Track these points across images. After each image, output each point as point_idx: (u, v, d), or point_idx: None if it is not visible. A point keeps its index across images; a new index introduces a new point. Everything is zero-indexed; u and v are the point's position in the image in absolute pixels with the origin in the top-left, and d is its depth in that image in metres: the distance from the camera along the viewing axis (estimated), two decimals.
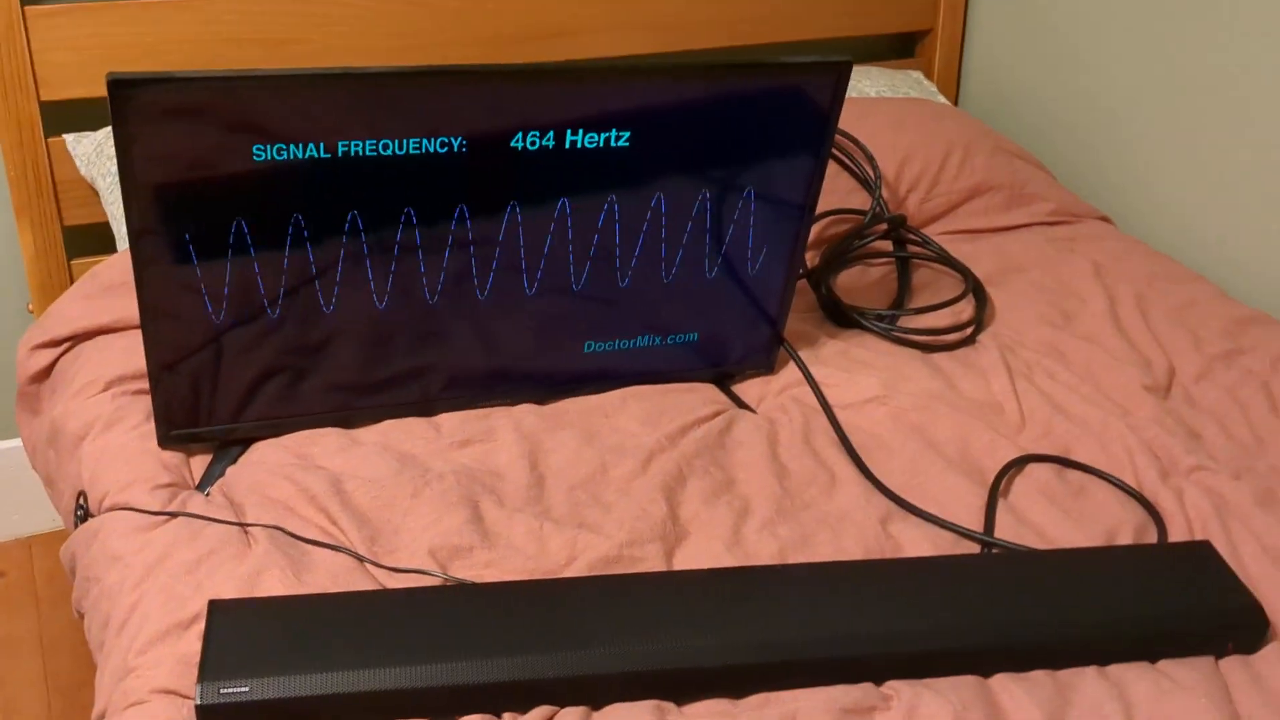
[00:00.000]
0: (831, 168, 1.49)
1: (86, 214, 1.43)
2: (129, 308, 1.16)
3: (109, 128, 1.41)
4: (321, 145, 0.94)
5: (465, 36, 1.53)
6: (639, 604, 0.89)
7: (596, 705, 0.85)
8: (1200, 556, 0.98)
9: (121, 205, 1.33)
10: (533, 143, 1.00)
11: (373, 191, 0.98)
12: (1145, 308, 1.39)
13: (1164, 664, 0.92)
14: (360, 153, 0.96)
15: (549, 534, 1.00)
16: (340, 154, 0.95)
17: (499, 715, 0.84)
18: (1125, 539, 1.05)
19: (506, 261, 1.07)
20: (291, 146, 0.94)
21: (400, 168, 0.98)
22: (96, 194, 1.41)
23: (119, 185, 1.34)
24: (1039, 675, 0.90)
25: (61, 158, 1.39)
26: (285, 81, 0.91)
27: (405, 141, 0.97)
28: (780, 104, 1.08)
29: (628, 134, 1.03)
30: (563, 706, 0.84)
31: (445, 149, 0.98)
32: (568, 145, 1.02)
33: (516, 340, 1.12)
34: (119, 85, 0.88)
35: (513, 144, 1.00)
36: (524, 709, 0.84)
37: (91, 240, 1.47)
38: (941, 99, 1.75)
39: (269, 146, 0.94)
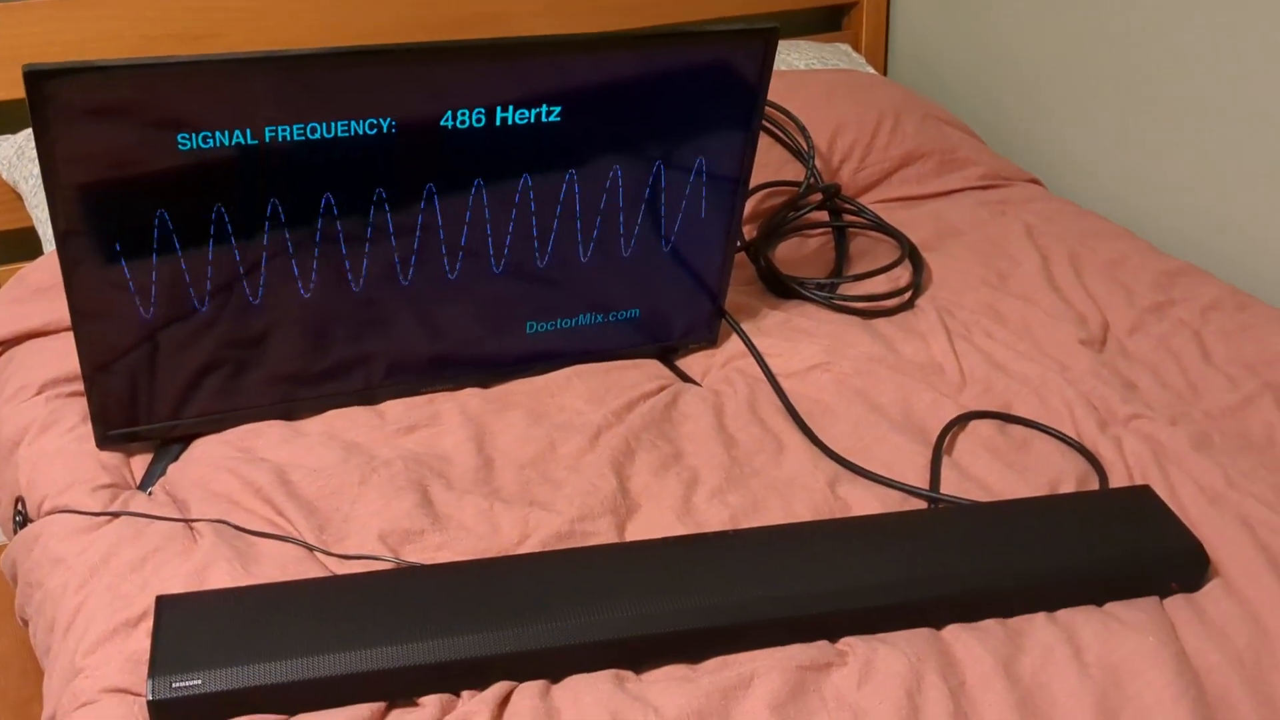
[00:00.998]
0: (765, 140, 1.50)
1: (11, 219, 1.40)
2: (59, 310, 1.14)
3: (29, 130, 1.38)
4: (248, 132, 0.93)
5: (394, 25, 1.52)
6: (593, 575, 0.89)
7: (555, 678, 0.85)
8: (1141, 501, 1.00)
9: (45, 207, 1.31)
10: (463, 121, 1.00)
11: (303, 178, 0.97)
12: (1078, 265, 1.41)
13: (1111, 606, 0.94)
14: (288, 138, 0.95)
15: (500, 514, 0.99)
16: (268, 140, 0.94)
17: (457, 694, 0.83)
18: (1068, 488, 1.06)
19: (441, 244, 1.06)
20: (218, 134, 0.93)
21: (330, 152, 0.97)
22: (20, 198, 1.38)
23: (42, 188, 1.31)
24: (990, 624, 0.91)
25: None
26: (208, 67, 0.89)
27: (333, 125, 0.96)
28: (710, 75, 1.08)
29: (559, 109, 1.03)
30: (522, 681, 0.84)
31: (374, 130, 0.97)
32: (499, 123, 1.01)
33: (457, 324, 1.12)
34: (37, 77, 0.86)
35: (443, 123, 0.99)
36: (483, 686, 0.83)
37: (16, 246, 1.44)
38: (870, 70, 1.76)
39: (194, 135, 0.92)
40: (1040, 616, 0.92)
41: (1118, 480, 1.09)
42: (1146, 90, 1.53)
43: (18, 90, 1.34)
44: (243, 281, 1.00)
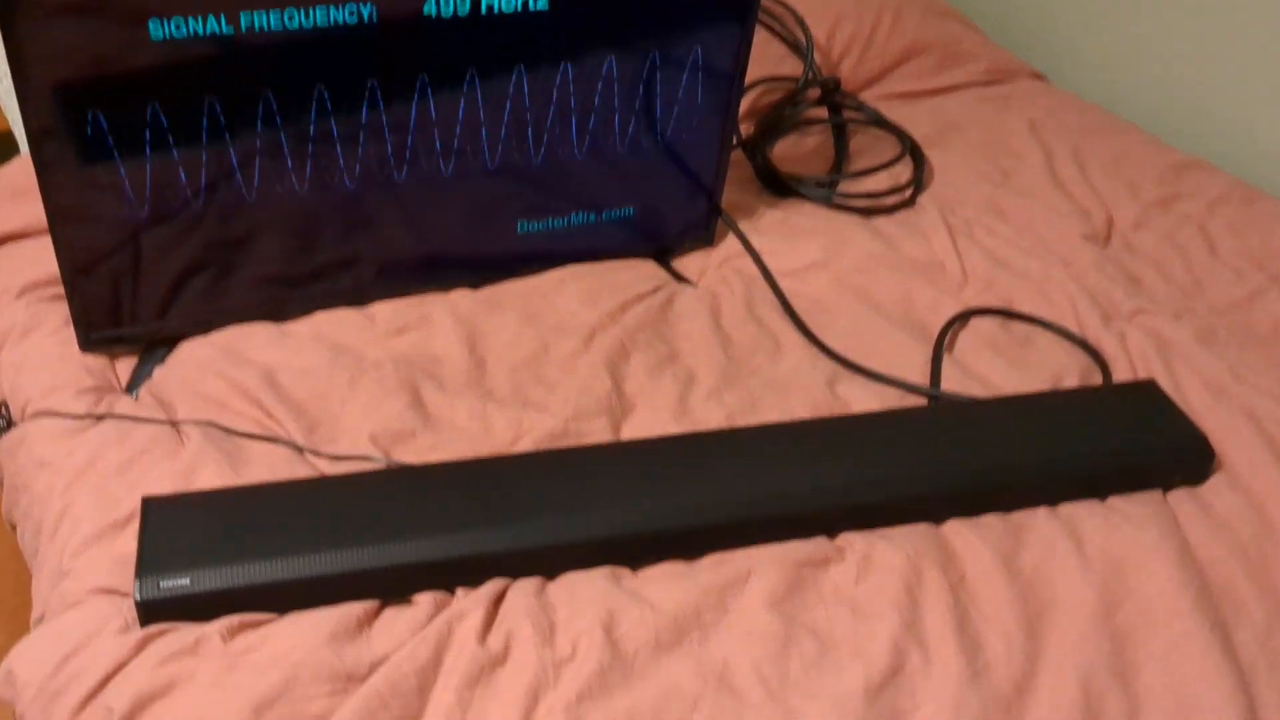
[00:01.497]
0: (762, 34, 1.45)
1: None
2: (37, 212, 1.11)
3: None
4: (223, 19, 0.89)
5: None
6: (588, 474, 0.87)
7: (551, 575, 0.84)
8: (1145, 394, 0.99)
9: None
10: (446, 9, 0.96)
11: (281, 70, 0.94)
12: (1081, 160, 1.38)
13: (1113, 500, 0.93)
14: (265, 26, 0.91)
15: (493, 415, 0.98)
16: (244, 29, 0.90)
17: (451, 592, 0.82)
18: (1071, 384, 1.05)
19: (426, 140, 1.03)
20: (191, 22, 0.89)
21: (309, 43, 0.93)
22: None
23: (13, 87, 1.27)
24: (990, 519, 0.90)
25: None
26: None
27: (311, 11, 0.92)
28: None
29: None
30: (516, 579, 0.83)
31: (354, 18, 0.93)
32: (484, 11, 0.98)
33: (446, 223, 1.09)
34: None
35: (425, 11, 0.96)
36: (477, 584, 0.82)
37: None
38: None
39: (166, 23, 0.88)
40: (1042, 511, 0.91)
41: (1121, 375, 1.07)
42: None
43: None
44: (228, 179, 0.97)
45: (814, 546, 0.86)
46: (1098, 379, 1.06)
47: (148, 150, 0.94)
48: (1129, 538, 0.88)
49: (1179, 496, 0.94)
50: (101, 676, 0.74)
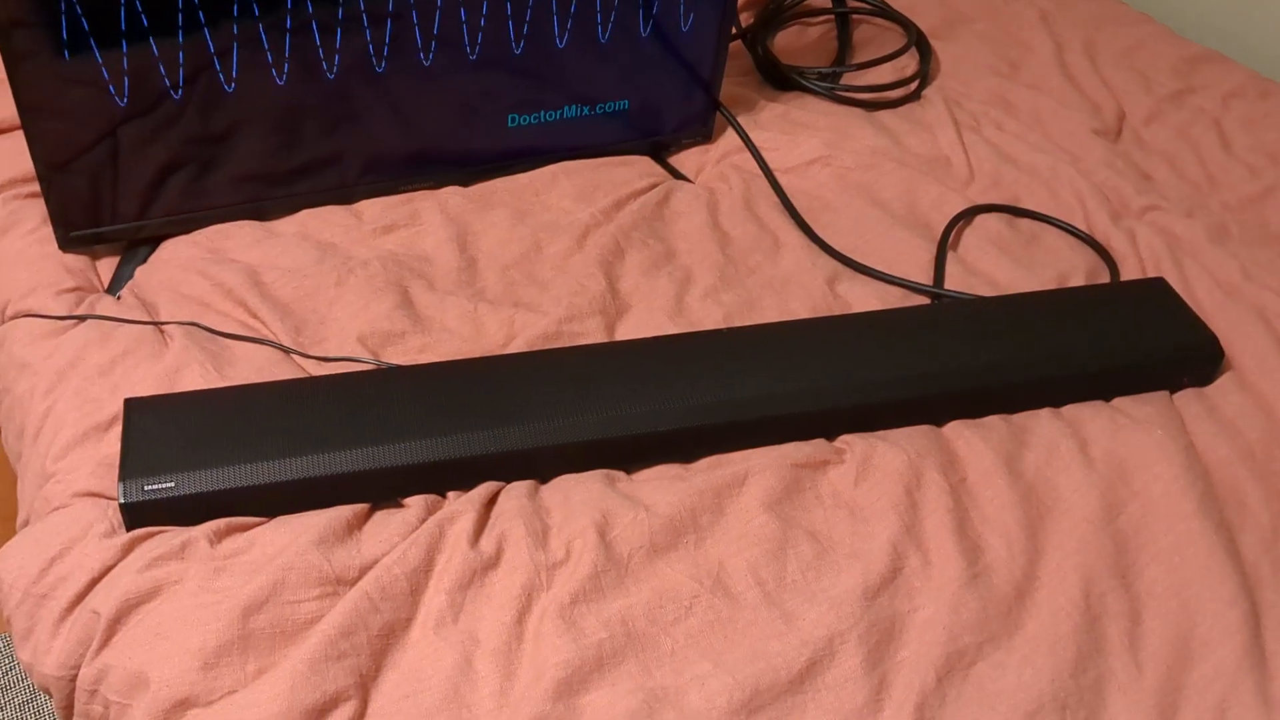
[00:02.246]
0: None
1: None
2: (11, 107, 1.07)
3: None
4: None
5: None
6: (582, 375, 0.85)
7: (544, 478, 0.82)
8: (1154, 293, 0.96)
9: None
10: None
11: None
12: (1093, 52, 1.33)
13: (1119, 401, 0.91)
14: None
15: (484, 315, 0.95)
16: None
17: (443, 495, 0.81)
18: (1078, 283, 1.02)
19: (407, 29, 0.99)
20: None
21: None
22: None
23: None
24: (993, 420, 0.88)
25: None
26: None
27: None
28: None
29: None
30: (509, 481, 0.81)
31: None
32: None
33: (434, 117, 1.05)
34: None
35: None
36: (468, 487, 0.81)
37: None
38: None
39: None
40: (1045, 412, 0.89)
41: (1130, 274, 1.04)
42: None
43: None
44: (207, 70, 0.93)
45: (812, 448, 0.84)
46: (1106, 278, 1.04)
47: (123, 41, 0.90)
48: (1134, 439, 0.87)
49: (1186, 397, 0.92)
50: (88, 580, 0.73)
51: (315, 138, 1.01)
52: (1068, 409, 0.90)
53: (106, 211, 0.98)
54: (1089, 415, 0.89)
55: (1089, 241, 1.06)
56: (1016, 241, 1.07)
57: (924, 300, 1.00)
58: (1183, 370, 0.92)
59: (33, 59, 0.88)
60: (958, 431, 0.87)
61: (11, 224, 1.00)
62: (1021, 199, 1.12)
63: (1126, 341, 0.91)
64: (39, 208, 1.01)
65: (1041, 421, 0.88)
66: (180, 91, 0.94)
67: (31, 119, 0.91)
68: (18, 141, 1.06)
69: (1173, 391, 0.93)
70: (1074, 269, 1.03)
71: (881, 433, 0.87)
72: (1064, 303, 0.95)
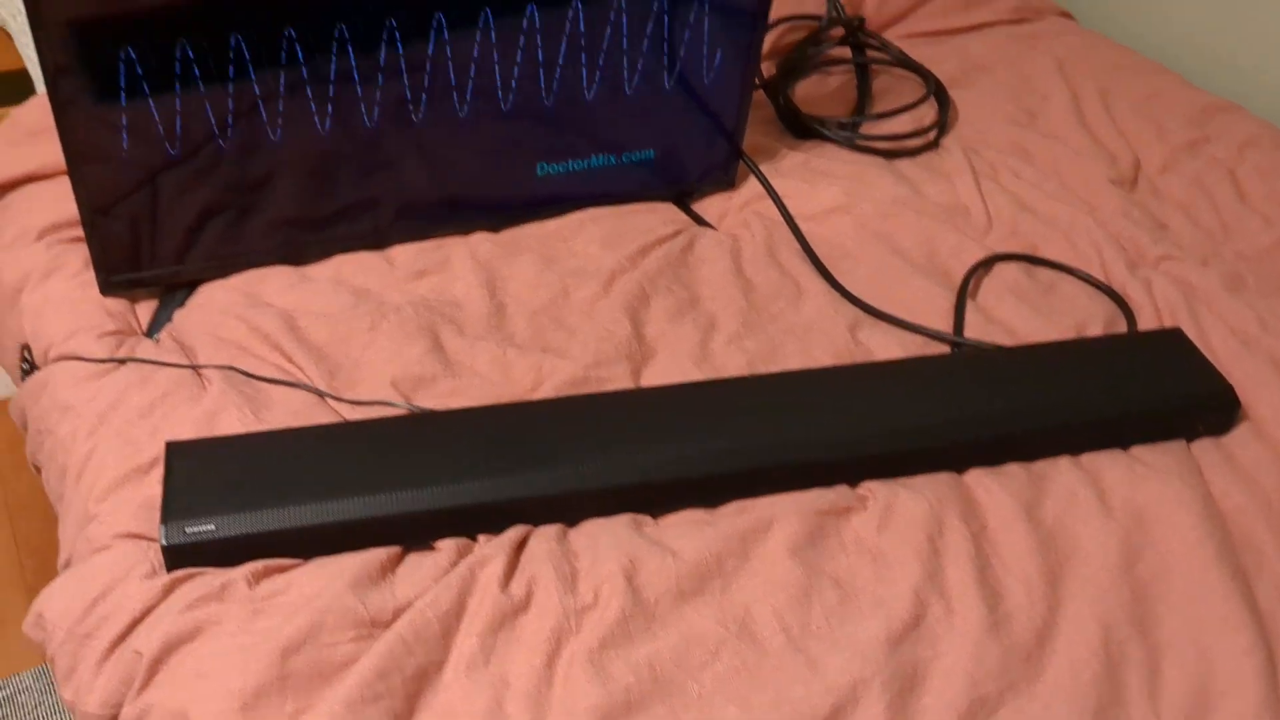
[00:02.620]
0: None
1: (1, 60, 1.35)
2: (56, 152, 1.10)
3: None
4: None
5: None
6: (609, 420, 0.87)
7: (572, 522, 0.84)
8: (1170, 343, 0.98)
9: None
10: None
11: (306, 6, 0.92)
12: (1109, 101, 1.36)
13: (1137, 450, 0.92)
14: None
15: (513, 360, 0.97)
16: None
17: (474, 538, 0.83)
18: (1095, 332, 1.04)
19: (444, 80, 1.02)
20: None
21: None
22: (9, 37, 1.33)
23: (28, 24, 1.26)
24: (1013, 468, 0.90)
25: None
26: None
27: None
28: None
29: None
30: (538, 526, 0.83)
31: None
32: None
33: (466, 165, 1.08)
34: None
35: None
36: (499, 531, 0.83)
37: (11, 88, 1.39)
38: None
39: None
40: (1064, 460, 0.91)
41: (1147, 323, 1.06)
42: None
43: None
44: (248, 119, 0.96)
45: (836, 495, 0.86)
46: (1123, 326, 1.05)
47: (166, 89, 0.93)
48: (1152, 488, 0.88)
49: (1203, 446, 0.93)
50: (130, 620, 0.75)
51: (351, 184, 1.04)
52: (1086, 457, 0.91)
53: (146, 256, 1.00)
54: (1107, 464, 0.90)
55: (1106, 290, 1.08)
56: (1035, 290, 1.09)
57: (944, 348, 1.02)
58: (1199, 419, 0.94)
59: (79, 105, 0.91)
60: (978, 479, 0.89)
61: (54, 268, 1.02)
62: (1039, 248, 1.14)
63: (1144, 391, 0.93)
64: (80, 252, 1.04)
65: (1060, 470, 0.90)
66: (220, 139, 0.97)
67: (77, 164, 0.94)
68: (59, 186, 1.09)
69: (1190, 440, 0.94)
70: (1091, 317, 1.05)
71: (903, 480, 0.88)
72: (1082, 352, 0.96)
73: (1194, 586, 0.82)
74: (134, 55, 0.90)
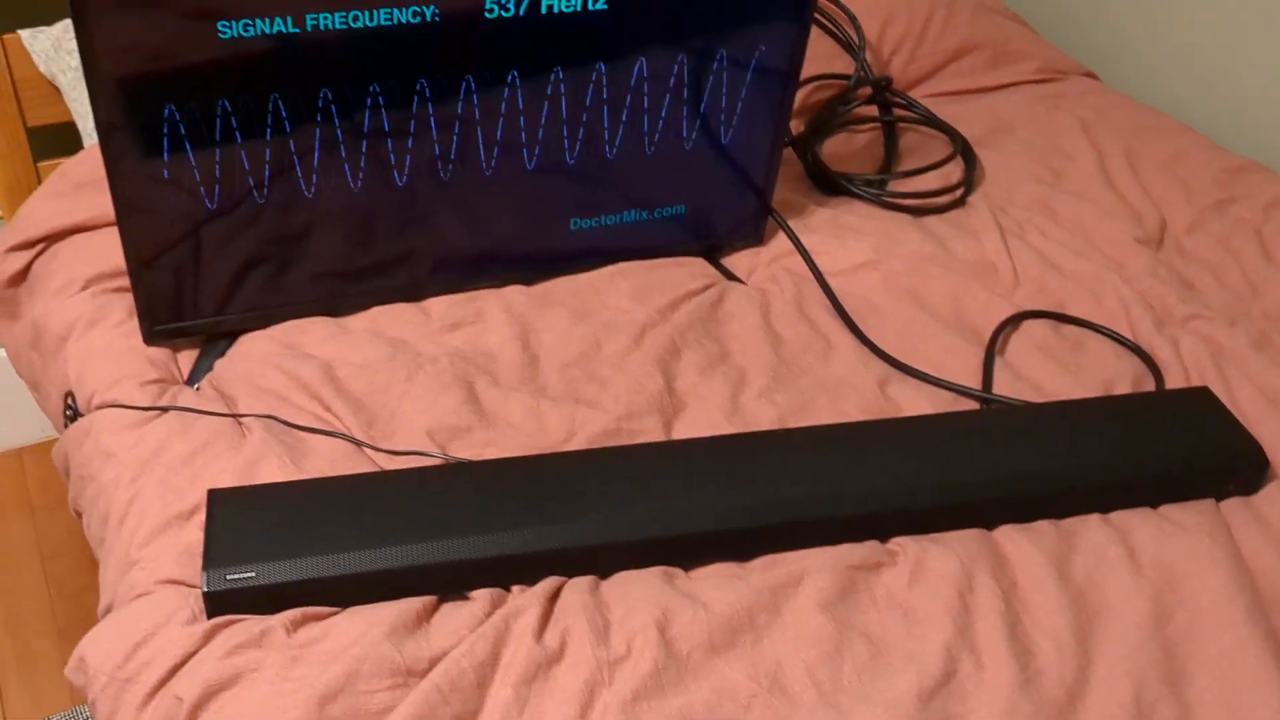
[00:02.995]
0: (814, 32, 1.45)
1: (50, 113, 1.38)
2: (103, 204, 1.13)
3: (65, 22, 1.36)
4: (289, 19, 0.91)
5: None
6: (642, 472, 0.88)
7: (605, 574, 0.85)
8: (1199, 402, 0.98)
9: (85, 101, 1.29)
10: (507, 9, 0.97)
11: (345, 68, 0.95)
12: (1134, 161, 1.37)
13: (1166, 508, 0.93)
14: (330, 26, 0.92)
15: (546, 411, 0.99)
16: (309, 28, 0.92)
17: (508, 589, 0.84)
18: (1123, 389, 1.05)
19: (487, 137, 1.04)
20: (259, 22, 0.90)
21: (372, 41, 0.94)
22: (58, 91, 1.36)
23: (81, 81, 1.30)
24: (1042, 525, 0.91)
25: (18, 55, 1.34)
26: None
27: (375, 12, 0.93)
28: None
29: None
30: (571, 576, 0.84)
31: (418, 19, 0.94)
32: (543, 10, 0.98)
33: (502, 220, 1.10)
34: None
35: (486, 11, 0.96)
36: (532, 581, 0.84)
37: (58, 141, 1.43)
38: None
39: (234, 23, 0.90)
40: (1094, 518, 0.91)
41: (1174, 381, 1.06)
42: None
43: None
44: (296, 175, 0.99)
45: (866, 550, 0.87)
46: (1151, 385, 1.06)
47: (211, 145, 0.96)
48: (1182, 546, 0.88)
49: (1232, 505, 0.94)
50: (171, 666, 0.76)
51: (387, 239, 1.06)
52: (1115, 515, 0.92)
53: (189, 306, 1.03)
54: (1137, 522, 0.91)
55: (1134, 349, 1.09)
56: (1062, 347, 1.10)
57: (973, 404, 1.03)
58: (1228, 479, 0.94)
59: (127, 159, 0.94)
60: (1008, 535, 0.89)
61: (99, 317, 1.05)
62: (1066, 305, 1.15)
63: (1172, 450, 0.94)
64: (124, 301, 1.06)
65: (1090, 527, 0.90)
66: (261, 194, 0.99)
67: (125, 216, 0.97)
68: (104, 238, 1.12)
69: (1219, 499, 0.94)
70: (1119, 376, 1.06)
71: (933, 535, 0.89)
72: (1111, 410, 0.97)
73: (1225, 645, 0.82)
74: (177, 113, 0.93)
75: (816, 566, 0.85)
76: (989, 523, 0.91)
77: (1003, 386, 1.05)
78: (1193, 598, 0.85)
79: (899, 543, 0.88)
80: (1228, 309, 1.15)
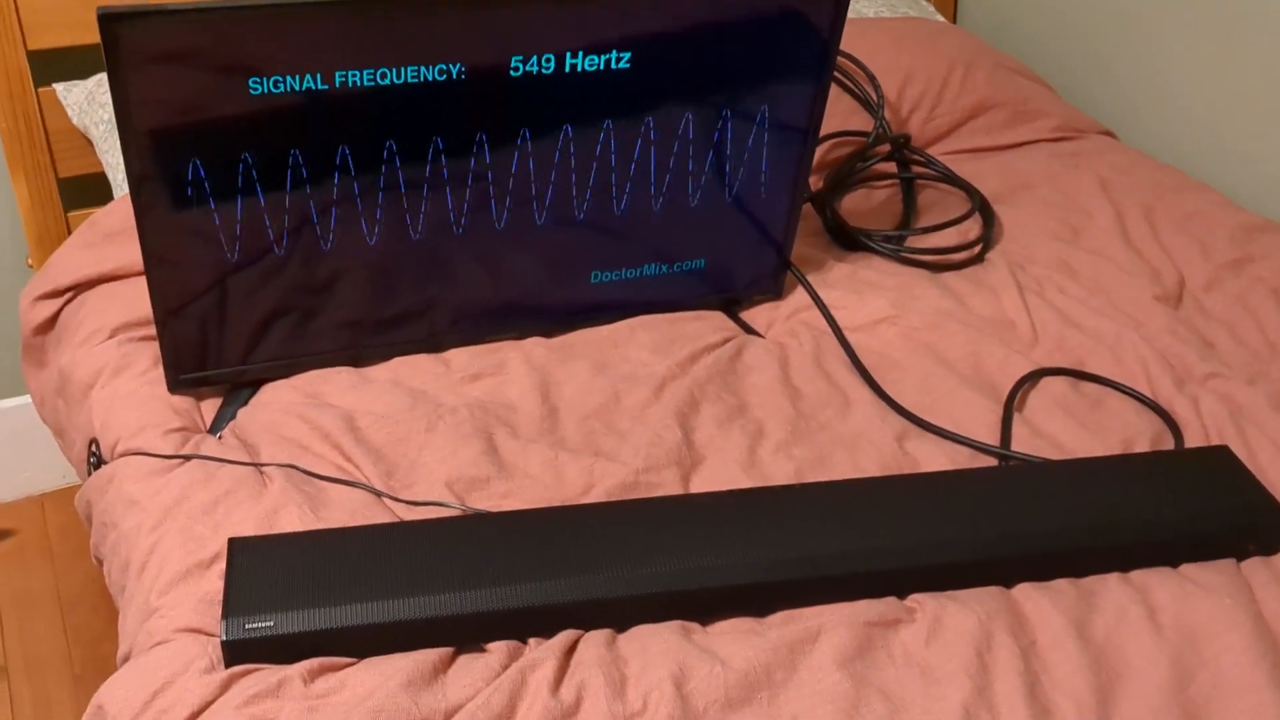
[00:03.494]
0: (833, 90, 1.47)
1: (81, 164, 1.41)
2: (131, 254, 1.15)
3: (99, 75, 1.39)
4: (319, 76, 0.93)
5: None
6: (660, 526, 0.89)
7: (621, 627, 0.85)
8: (1219, 461, 0.98)
9: (116, 153, 1.32)
10: (532, 67, 0.99)
11: (373, 123, 0.97)
12: (1153, 219, 1.38)
13: (1186, 568, 0.92)
14: (359, 83, 0.94)
15: (565, 463, 0.99)
16: (338, 85, 0.94)
17: (524, 641, 0.84)
18: (1142, 448, 1.04)
19: (510, 191, 1.06)
20: (289, 79, 0.92)
21: (400, 98, 0.96)
22: (90, 144, 1.39)
23: (113, 133, 1.32)
24: (1061, 583, 0.90)
25: (52, 108, 1.37)
26: (280, 10, 0.89)
27: (403, 70, 0.95)
28: (782, 22, 1.06)
29: (629, 55, 1.02)
30: (588, 630, 0.84)
31: (444, 77, 0.96)
32: (568, 69, 1.00)
33: (522, 273, 1.11)
34: (110, 20, 0.86)
35: (512, 70, 0.98)
36: (549, 634, 0.84)
37: (87, 191, 1.45)
38: (940, 19, 1.72)
39: (265, 80, 0.92)
40: (1113, 577, 0.91)
41: (1194, 440, 1.06)
42: (1224, 40, 1.48)
43: (84, 35, 1.34)
44: (318, 228, 1.00)
45: (884, 606, 0.87)
46: (1170, 443, 1.06)
47: (238, 198, 0.97)
48: (1203, 606, 0.88)
49: (1253, 566, 0.93)
50: (188, 714, 0.76)
51: (408, 291, 1.08)
52: (1135, 574, 0.91)
53: (213, 356, 1.04)
54: (1157, 581, 0.90)
55: (1153, 407, 1.09)
56: (1081, 405, 1.10)
57: (991, 461, 1.03)
58: (1249, 538, 0.94)
59: (158, 210, 0.96)
60: (1026, 594, 0.89)
61: (125, 365, 1.06)
62: (1085, 362, 1.16)
63: (1193, 509, 0.93)
64: (149, 350, 1.08)
65: (1110, 586, 0.90)
66: (286, 246, 1.01)
67: (154, 266, 0.98)
68: (131, 287, 1.14)
69: (1240, 559, 0.94)
70: (1138, 434, 1.06)
71: (951, 593, 0.89)
72: (1130, 468, 0.97)
73: (1247, 709, 0.82)
74: (206, 166, 0.95)
75: (834, 623, 0.85)
76: (1007, 580, 0.90)
77: (1021, 443, 1.05)
78: (1214, 659, 0.84)
79: (917, 599, 0.88)
80: (1246, 368, 1.15)
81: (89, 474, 1.04)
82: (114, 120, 1.31)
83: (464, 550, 0.86)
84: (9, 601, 1.52)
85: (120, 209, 1.19)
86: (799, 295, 1.24)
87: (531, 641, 0.84)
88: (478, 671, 0.80)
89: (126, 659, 0.85)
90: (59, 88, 1.37)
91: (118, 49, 0.87)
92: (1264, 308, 1.24)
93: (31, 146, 1.36)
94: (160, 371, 1.05)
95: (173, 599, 0.85)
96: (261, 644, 0.79)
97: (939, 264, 1.29)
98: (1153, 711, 0.81)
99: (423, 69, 0.95)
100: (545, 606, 0.83)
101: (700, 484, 1.00)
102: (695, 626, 0.86)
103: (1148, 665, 0.84)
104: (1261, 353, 1.18)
